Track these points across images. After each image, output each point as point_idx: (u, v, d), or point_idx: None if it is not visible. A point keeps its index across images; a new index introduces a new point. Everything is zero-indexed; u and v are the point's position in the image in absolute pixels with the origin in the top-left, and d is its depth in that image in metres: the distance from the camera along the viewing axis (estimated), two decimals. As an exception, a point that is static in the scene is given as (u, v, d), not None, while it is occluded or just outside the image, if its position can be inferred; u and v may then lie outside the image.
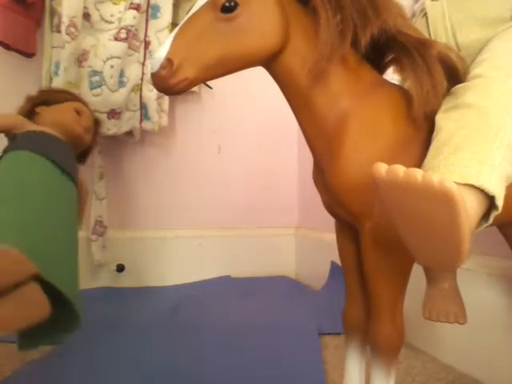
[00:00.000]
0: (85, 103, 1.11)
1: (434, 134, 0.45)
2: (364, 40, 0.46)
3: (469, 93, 0.44)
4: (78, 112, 1.04)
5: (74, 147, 1.03)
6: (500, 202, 0.39)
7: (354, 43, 0.47)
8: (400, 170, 0.34)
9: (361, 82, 0.48)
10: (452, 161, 0.40)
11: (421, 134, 0.47)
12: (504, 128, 0.41)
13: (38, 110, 1.03)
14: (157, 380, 0.71)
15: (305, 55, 0.47)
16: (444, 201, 0.33)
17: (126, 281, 1.43)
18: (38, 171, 0.79)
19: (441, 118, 0.45)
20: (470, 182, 0.38)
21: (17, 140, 0.88)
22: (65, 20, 1.19)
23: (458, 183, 0.38)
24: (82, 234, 1.04)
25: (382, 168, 0.35)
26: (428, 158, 0.43)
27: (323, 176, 0.50)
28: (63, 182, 0.82)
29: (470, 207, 0.38)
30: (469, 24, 0.54)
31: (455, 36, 0.55)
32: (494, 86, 0.43)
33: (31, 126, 0.92)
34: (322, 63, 0.46)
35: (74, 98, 1.10)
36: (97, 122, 1.16)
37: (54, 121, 1.01)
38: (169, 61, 0.42)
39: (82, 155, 1.13)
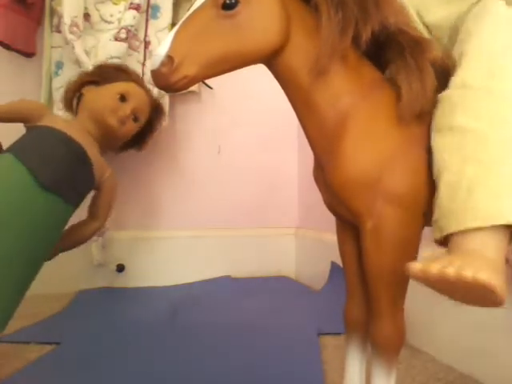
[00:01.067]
0: (140, 84, 1.01)
1: (434, 161, 0.44)
2: (365, 35, 0.46)
3: (458, 111, 0.43)
4: (123, 97, 0.95)
5: (111, 140, 0.97)
6: None
7: (355, 39, 0.47)
8: (434, 269, 0.36)
9: (362, 80, 0.48)
10: (471, 204, 0.40)
11: (422, 133, 0.47)
12: (508, 148, 0.41)
13: (84, 90, 0.98)
14: (156, 380, 0.71)
15: (306, 52, 0.47)
16: (482, 290, 0.36)
17: (126, 281, 1.43)
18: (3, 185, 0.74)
19: (437, 142, 0.44)
20: (496, 223, 0.39)
21: (22, 136, 0.86)
22: (66, 20, 1.19)
23: (483, 228, 0.39)
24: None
25: (416, 268, 0.37)
26: (443, 197, 0.42)
27: (324, 174, 0.50)
28: (35, 200, 0.76)
29: (499, 247, 0.39)
30: (434, 3, 0.53)
31: (421, 17, 0.54)
32: (482, 100, 0.43)
33: (48, 120, 0.86)
34: (323, 60, 0.45)
35: (128, 76, 1.00)
36: (155, 107, 1.08)
37: (91, 107, 0.95)
38: (169, 58, 0.42)
39: (134, 141, 1.06)
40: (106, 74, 1.00)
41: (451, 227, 0.41)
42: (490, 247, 0.39)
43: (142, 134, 1.06)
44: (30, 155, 0.79)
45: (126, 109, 0.95)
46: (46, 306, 1.17)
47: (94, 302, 1.25)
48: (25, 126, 0.88)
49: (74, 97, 1.00)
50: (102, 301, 1.26)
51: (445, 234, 0.42)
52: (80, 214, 0.94)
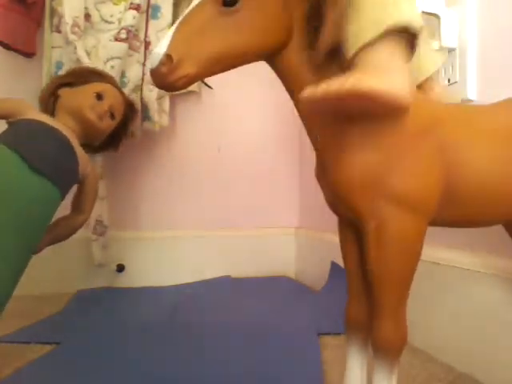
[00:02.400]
0: (114, 85, 1.06)
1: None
2: None
3: None
4: (99, 95, 0.99)
5: (91, 135, 1.00)
6: (417, 23, 0.40)
7: None
8: (320, 89, 0.38)
9: None
10: (361, 23, 0.41)
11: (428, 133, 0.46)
12: None
13: (59, 92, 1.00)
14: (156, 380, 0.71)
15: (308, 50, 0.46)
16: (369, 97, 0.38)
17: (126, 281, 1.43)
18: None
19: None
20: (381, 30, 0.40)
21: (6, 129, 0.86)
22: (68, 20, 1.19)
23: (373, 40, 0.40)
24: (82, 233, 1.05)
25: (305, 93, 0.39)
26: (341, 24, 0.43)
27: (326, 173, 0.49)
28: (26, 181, 0.77)
29: (394, 52, 0.41)
30: None
31: None
32: None
33: (31, 114, 0.88)
34: (324, 57, 0.45)
35: (102, 78, 1.05)
36: (129, 106, 1.12)
37: (69, 105, 0.97)
38: (168, 57, 0.41)
39: (110, 141, 1.09)
40: (80, 75, 1.04)
41: (349, 52, 0.42)
42: (384, 56, 0.41)
43: (116, 133, 1.09)
44: (16, 140, 0.80)
45: (104, 105, 0.99)
46: (46, 306, 1.17)
47: (94, 301, 1.25)
48: (7, 122, 0.89)
49: (50, 99, 1.02)
50: (102, 301, 1.26)
51: (348, 58, 0.43)
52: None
